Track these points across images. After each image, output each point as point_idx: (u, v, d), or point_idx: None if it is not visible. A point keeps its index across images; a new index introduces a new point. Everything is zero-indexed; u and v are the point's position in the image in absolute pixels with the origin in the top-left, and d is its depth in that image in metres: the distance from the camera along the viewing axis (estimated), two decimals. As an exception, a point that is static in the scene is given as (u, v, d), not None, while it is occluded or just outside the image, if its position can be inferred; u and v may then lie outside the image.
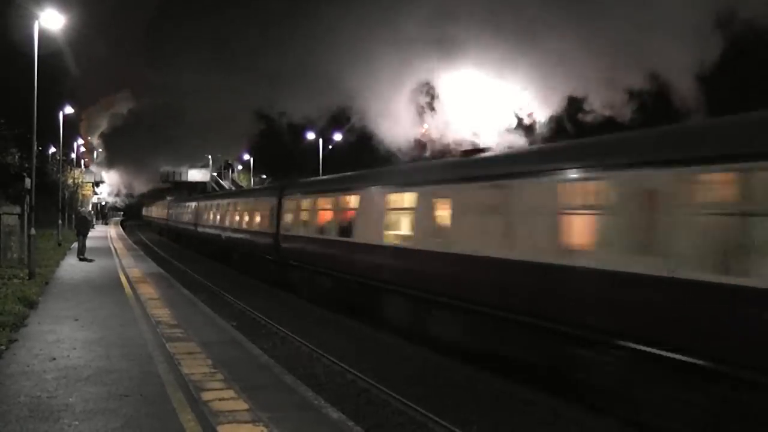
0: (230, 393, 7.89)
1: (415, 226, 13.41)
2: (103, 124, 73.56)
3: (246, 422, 6.84)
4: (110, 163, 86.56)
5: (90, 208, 65.68)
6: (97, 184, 78.94)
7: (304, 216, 19.77)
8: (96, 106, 67.80)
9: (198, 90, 56.23)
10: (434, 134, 24.18)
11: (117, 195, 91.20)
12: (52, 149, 56.98)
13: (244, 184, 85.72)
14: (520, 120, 20.26)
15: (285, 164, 75.59)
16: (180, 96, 61.25)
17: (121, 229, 62.88)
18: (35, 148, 23.92)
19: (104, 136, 76.56)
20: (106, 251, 31.90)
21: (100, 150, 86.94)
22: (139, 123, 72.53)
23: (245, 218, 26.67)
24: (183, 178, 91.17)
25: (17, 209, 24.49)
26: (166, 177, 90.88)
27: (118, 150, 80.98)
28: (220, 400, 7.59)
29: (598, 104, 15.14)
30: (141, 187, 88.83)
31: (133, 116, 72.49)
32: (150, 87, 65.70)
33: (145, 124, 72.12)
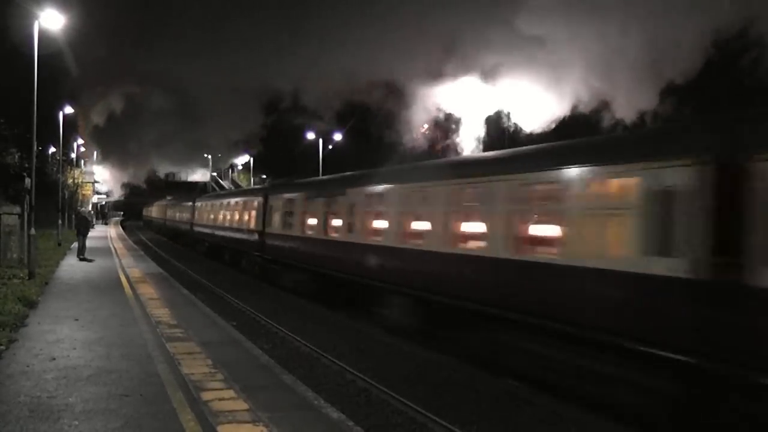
0: (230, 393, 7.89)
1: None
2: (98, 118, 72.57)
3: (246, 422, 6.84)
4: (104, 158, 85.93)
5: (90, 208, 65.46)
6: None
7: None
8: (91, 95, 66.83)
9: (200, 81, 56.04)
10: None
11: (108, 195, 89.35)
12: (52, 149, 56.91)
13: (243, 184, 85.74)
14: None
15: (285, 164, 75.54)
16: (181, 87, 61.09)
17: (121, 229, 62.87)
18: (35, 148, 23.93)
19: (99, 130, 75.57)
20: (106, 251, 31.90)
21: (99, 151, 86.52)
22: (136, 116, 71.98)
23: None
24: (183, 178, 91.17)
25: (17, 209, 24.48)
26: (165, 177, 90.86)
27: (113, 145, 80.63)
28: (220, 400, 7.59)
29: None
30: (133, 183, 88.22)
31: (130, 108, 71.86)
32: (147, 77, 65.41)
33: (143, 117, 71.64)
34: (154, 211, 70.22)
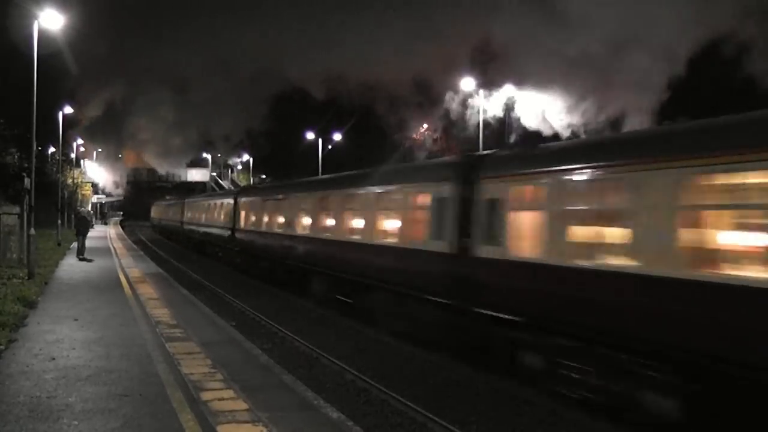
0: (230, 393, 7.89)
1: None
2: (95, 111, 71.81)
3: (245, 422, 6.83)
4: (100, 157, 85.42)
5: (89, 208, 65.32)
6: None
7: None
8: (90, 90, 66.32)
9: (202, 77, 55.83)
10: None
11: (107, 195, 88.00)
12: (52, 149, 56.88)
13: (243, 184, 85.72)
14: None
15: (284, 163, 75.49)
16: (185, 85, 60.86)
17: (121, 230, 62.87)
18: (35, 148, 23.92)
19: (96, 127, 74.80)
20: (105, 251, 31.88)
21: (100, 150, 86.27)
22: (135, 113, 71.52)
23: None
24: (183, 178, 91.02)
25: (17, 209, 24.47)
26: (165, 177, 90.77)
27: (110, 142, 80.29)
28: (219, 400, 7.59)
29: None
30: (132, 182, 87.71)
31: (128, 104, 71.40)
32: (147, 73, 65.17)
33: (142, 114, 71.19)
34: (184, 212, 42.90)
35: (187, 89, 61.94)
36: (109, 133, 76.51)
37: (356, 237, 15.44)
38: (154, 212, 67.81)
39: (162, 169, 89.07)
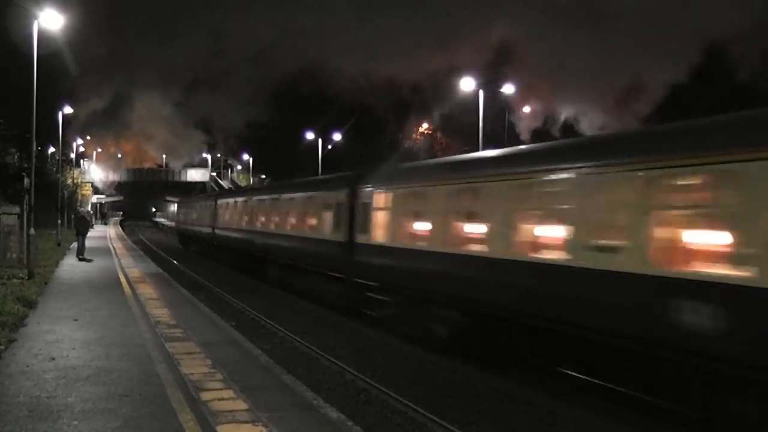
0: (229, 393, 7.88)
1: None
2: (97, 104, 71.30)
3: (245, 422, 6.83)
4: (99, 156, 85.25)
5: (89, 208, 65.24)
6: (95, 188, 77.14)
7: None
8: (90, 87, 65.94)
9: (206, 74, 55.71)
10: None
11: (105, 194, 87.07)
12: (52, 149, 56.84)
13: (242, 184, 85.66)
14: None
15: (284, 163, 75.46)
16: (185, 84, 60.71)
17: (121, 230, 62.85)
18: (34, 148, 23.91)
19: (96, 124, 74.28)
20: (105, 251, 31.87)
21: (100, 150, 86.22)
22: (134, 110, 71.24)
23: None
24: (182, 178, 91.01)
25: (16, 209, 24.46)
26: (164, 176, 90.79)
27: (108, 140, 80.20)
28: (219, 400, 7.58)
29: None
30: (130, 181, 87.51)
31: (127, 102, 71.13)
32: (147, 69, 65.09)
33: (142, 111, 70.93)
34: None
35: (187, 86, 62.03)
36: (108, 132, 76.48)
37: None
38: (183, 214, 47.42)
39: (161, 168, 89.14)
